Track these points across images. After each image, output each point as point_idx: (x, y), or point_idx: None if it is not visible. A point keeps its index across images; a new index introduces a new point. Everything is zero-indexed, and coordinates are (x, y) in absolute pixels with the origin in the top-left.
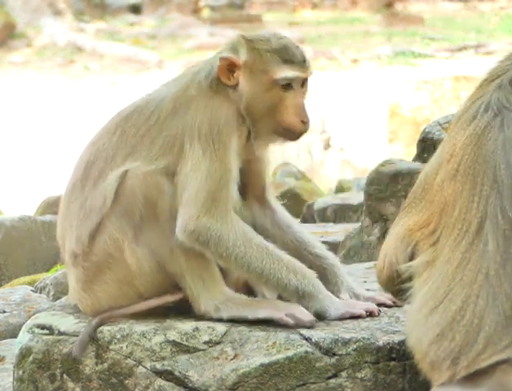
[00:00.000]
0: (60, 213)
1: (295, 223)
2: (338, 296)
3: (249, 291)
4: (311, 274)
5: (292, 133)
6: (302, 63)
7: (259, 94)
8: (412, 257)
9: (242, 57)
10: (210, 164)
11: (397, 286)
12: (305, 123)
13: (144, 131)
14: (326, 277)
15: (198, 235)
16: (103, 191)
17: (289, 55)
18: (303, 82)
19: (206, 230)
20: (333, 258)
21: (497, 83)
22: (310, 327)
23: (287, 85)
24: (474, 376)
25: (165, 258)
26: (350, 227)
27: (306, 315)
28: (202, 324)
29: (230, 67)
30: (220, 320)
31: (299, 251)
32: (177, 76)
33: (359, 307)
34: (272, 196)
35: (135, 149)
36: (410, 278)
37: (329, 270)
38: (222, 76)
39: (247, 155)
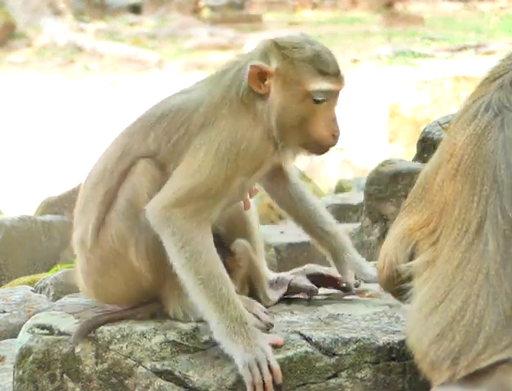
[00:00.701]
0: (81, 196)
1: (309, 197)
2: (346, 274)
3: (251, 289)
4: (243, 323)
5: (321, 147)
6: (336, 75)
7: (291, 105)
8: (411, 257)
9: (273, 65)
10: (212, 176)
11: (397, 286)
12: (335, 137)
13: (175, 141)
14: (335, 254)
15: (161, 218)
16: (130, 184)
17: (323, 66)
18: (336, 94)
19: (170, 221)
20: (342, 235)
21: (499, 83)
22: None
23: (320, 98)
24: (474, 376)
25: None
26: (350, 227)
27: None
28: (202, 324)
29: (261, 75)
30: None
31: (310, 225)
32: (211, 80)
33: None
34: (291, 169)
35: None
36: (410, 278)
37: (338, 247)
38: (253, 85)
39: (272, 164)
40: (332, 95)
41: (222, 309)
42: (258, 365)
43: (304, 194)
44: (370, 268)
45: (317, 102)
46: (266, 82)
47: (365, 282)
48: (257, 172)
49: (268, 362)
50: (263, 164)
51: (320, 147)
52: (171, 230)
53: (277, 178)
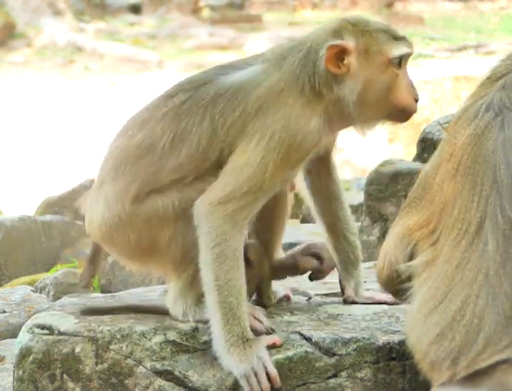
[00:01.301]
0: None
1: (344, 199)
2: (348, 286)
3: (258, 290)
4: (243, 338)
5: (405, 114)
6: (407, 40)
7: (376, 77)
8: (411, 257)
9: (351, 42)
10: (259, 169)
11: (397, 286)
12: (417, 101)
13: (230, 123)
14: (346, 264)
15: (203, 213)
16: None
17: (395, 33)
18: (408, 59)
19: (210, 218)
20: (359, 250)
21: (501, 83)
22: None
23: (399, 64)
24: (474, 376)
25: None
26: None
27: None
28: (202, 324)
29: (339, 54)
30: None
31: (335, 226)
32: (270, 61)
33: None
34: (334, 164)
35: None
36: (410, 278)
37: (352, 260)
38: (332, 66)
39: (317, 155)
40: (406, 60)
41: (227, 321)
42: (256, 374)
43: (341, 194)
44: (362, 289)
45: (397, 68)
46: (345, 61)
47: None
48: (302, 163)
49: (266, 368)
50: (311, 155)
51: (404, 115)
52: (208, 227)
53: (320, 172)
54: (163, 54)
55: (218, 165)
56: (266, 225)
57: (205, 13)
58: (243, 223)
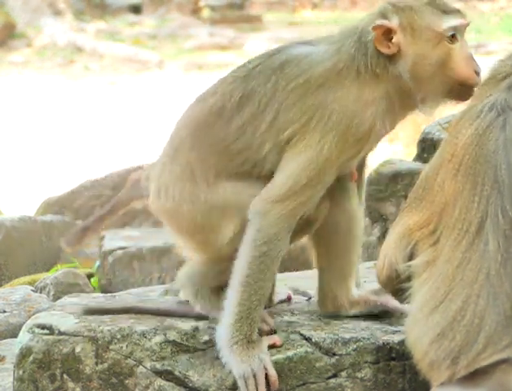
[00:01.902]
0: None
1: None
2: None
3: None
4: (248, 339)
5: (467, 88)
6: (458, 11)
7: (427, 52)
8: (411, 257)
9: (395, 21)
10: (317, 153)
11: (396, 285)
12: (478, 73)
13: (291, 88)
14: None
15: (259, 210)
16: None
17: (443, 5)
18: (464, 30)
19: (264, 216)
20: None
21: (506, 84)
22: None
23: (453, 37)
24: (474, 376)
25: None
26: None
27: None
28: (202, 324)
29: (386, 34)
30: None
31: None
32: (332, 43)
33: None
34: (364, 175)
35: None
36: (409, 278)
37: None
38: (381, 46)
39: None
40: (461, 32)
41: (239, 319)
42: (255, 376)
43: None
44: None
45: (451, 41)
46: (393, 40)
47: None
48: (360, 150)
49: (266, 370)
50: (369, 143)
51: (466, 89)
52: (261, 225)
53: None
54: (163, 54)
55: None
56: (335, 249)
57: (205, 13)
58: (294, 224)
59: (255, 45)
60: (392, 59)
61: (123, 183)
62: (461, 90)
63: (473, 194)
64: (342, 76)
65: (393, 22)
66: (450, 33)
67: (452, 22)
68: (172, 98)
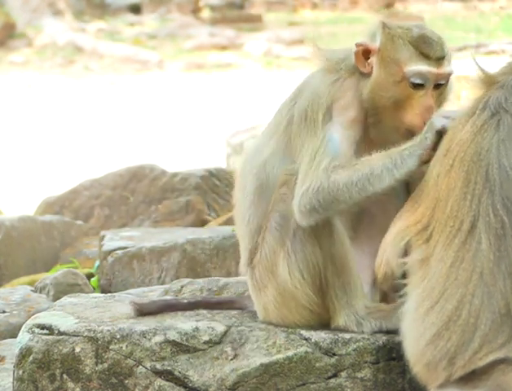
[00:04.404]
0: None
1: None
2: None
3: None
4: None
5: (411, 134)
6: (438, 60)
7: (387, 84)
8: (405, 253)
9: (376, 44)
10: (311, 141)
11: (393, 282)
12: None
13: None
14: None
15: (305, 204)
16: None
17: (425, 48)
18: (439, 80)
19: (311, 196)
20: None
21: (500, 83)
22: None
23: (414, 82)
24: (472, 377)
25: (313, 269)
26: None
27: None
28: (202, 324)
29: (365, 53)
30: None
31: None
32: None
33: None
34: None
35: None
36: (405, 276)
37: None
38: (359, 63)
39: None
40: (430, 81)
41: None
42: None
43: None
44: None
45: (414, 86)
46: (369, 61)
47: None
48: None
49: None
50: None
51: (409, 134)
52: (320, 197)
53: None
54: (163, 54)
55: None
56: None
57: (205, 13)
58: (328, 165)
59: (255, 45)
60: (365, 75)
61: (123, 183)
62: (405, 132)
63: (465, 192)
64: (316, 82)
65: (374, 44)
66: (413, 78)
67: (421, 67)
68: (172, 98)
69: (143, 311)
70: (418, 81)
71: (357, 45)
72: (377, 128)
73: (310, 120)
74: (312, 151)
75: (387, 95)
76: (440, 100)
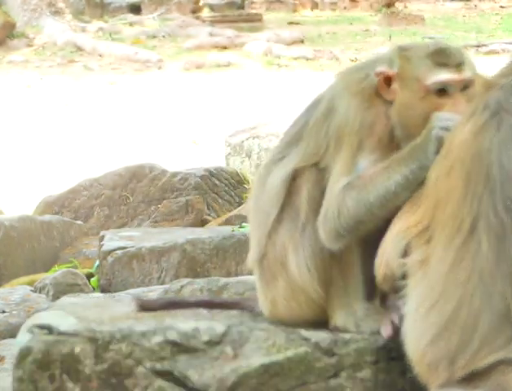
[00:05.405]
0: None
1: None
2: None
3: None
4: None
5: None
6: (457, 66)
7: (413, 104)
8: (405, 254)
9: (395, 69)
10: (338, 167)
11: (393, 283)
12: None
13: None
14: None
15: (330, 230)
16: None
17: (441, 58)
18: (464, 87)
19: (332, 221)
20: None
21: (500, 83)
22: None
23: (442, 91)
24: (472, 378)
25: (319, 265)
26: None
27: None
28: (202, 324)
29: (386, 80)
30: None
31: None
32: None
33: None
34: None
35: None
36: (405, 276)
37: None
38: (383, 92)
39: None
40: (454, 87)
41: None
42: None
43: None
44: None
45: (439, 96)
46: (391, 87)
47: None
48: None
49: None
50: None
51: None
52: (340, 218)
53: None
54: (163, 54)
55: None
56: None
57: (205, 13)
58: (341, 184)
59: (255, 45)
60: (390, 103)
61: (122, 183)
62: None
63: (465, 192)
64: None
65: (393, 69)
66: (437, 88)
67: (440, 77)
68: (172, 97)
69: (146, 307)
70: (443, 90)
71: (376, 74)
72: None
73: (341, 145)
74: (336, 176)
75: (416, 113)
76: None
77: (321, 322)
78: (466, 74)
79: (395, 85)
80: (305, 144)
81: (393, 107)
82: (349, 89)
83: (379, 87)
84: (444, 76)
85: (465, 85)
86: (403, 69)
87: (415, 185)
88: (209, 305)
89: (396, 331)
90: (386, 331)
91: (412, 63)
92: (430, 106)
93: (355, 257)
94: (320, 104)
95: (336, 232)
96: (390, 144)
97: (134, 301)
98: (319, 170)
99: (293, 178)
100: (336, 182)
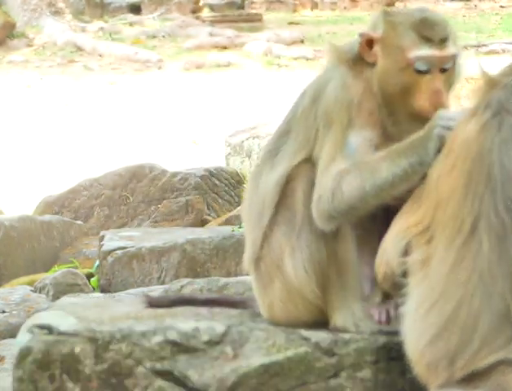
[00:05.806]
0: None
1: None
2: None
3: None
4: None
5: (422, 119)
6: (441, 43)
7: (392, 72)
8: (405, 253)
9: (379, 32)
10: (329, 146)
11: (393, 283)
12: (437, 109)
13: (302, 115)
14: None
15: (323, 211)
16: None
17: (426, 31)
18: (446, 62)
19: (327, 203)
20: None
21: (502, 83)
22: None
23: (420, 67)
24: (472, 378)
25: (317, 266)
26: None
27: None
28: (202, 324)
29: (369, 43)
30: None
31: None
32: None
33: None
34: None
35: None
36: (405, 276)
37: None
38: (363, 53)
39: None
40: (435, 65)
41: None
42: None
43: None
44: None
45: (419, 71)
46: (372, 50)
47: None
48: None
49: None
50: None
51: (421, 118)
52: (332, 199)
53: None
54: (163, 54)
55: None
56: None
57: (205, 13)
58: (338, 164)
59: (255, 45)
60: (371, 64)
61: (122, 183)
62: (418, 117)
63: (466, 192)
64: (329, 77)
65: (377, 32)
66: (418, 64)
67: (422, 52)
68: (172, 98)
69: (154, 304)
70: (422, 68)
71: (360, 35)
72: (392, 121)
73: (331, 124)
74: (328, 155)
75: (394, 82)
76: (449, 83)
77: (319, 323)
78: (449, 50)
79: (376, 48)
80: (295, 134)
81: (374, 71)
82: (337, 59)
83: (361, 48)
84: (428, 51)
85: (446, 62)
86: (387, 35)
87: (413, 179)
88: (218, 302)
89: (388, 320)
90: (378, 317)
91: (396, 30)
92: (409, 78)
93: (353, 256)
94: (307, 93)
95: (328, 214)
96: (380, 120)
97: (142, 298)
98: (313, 170)
99: (287, 179)
100: (330, 162)
